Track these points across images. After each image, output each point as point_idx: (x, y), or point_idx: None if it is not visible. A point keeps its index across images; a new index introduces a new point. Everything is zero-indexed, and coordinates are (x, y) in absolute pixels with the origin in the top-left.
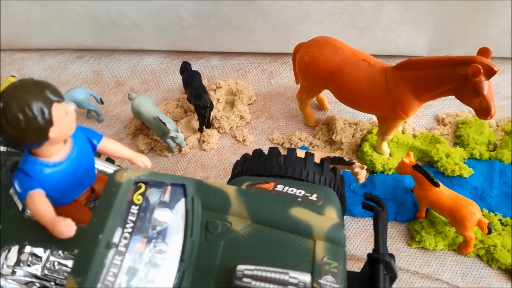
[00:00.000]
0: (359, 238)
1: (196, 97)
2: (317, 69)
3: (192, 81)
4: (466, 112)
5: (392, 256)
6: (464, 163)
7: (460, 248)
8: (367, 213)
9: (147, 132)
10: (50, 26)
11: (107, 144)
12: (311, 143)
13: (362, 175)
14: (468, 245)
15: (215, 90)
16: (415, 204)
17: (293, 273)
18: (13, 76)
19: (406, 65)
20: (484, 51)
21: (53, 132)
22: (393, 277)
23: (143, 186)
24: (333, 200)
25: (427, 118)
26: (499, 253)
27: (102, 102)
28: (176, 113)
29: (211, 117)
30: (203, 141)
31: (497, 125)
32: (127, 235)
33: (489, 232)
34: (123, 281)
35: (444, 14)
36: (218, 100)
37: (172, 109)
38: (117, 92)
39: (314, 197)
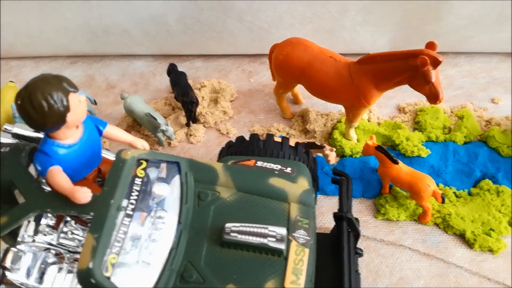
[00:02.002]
0: (331, 213)
1: (183, 95)
2: (290, 66)
3: (179, 81)
4: (424, 101)
5: (356, 219)
6: (422, 145)
7: (420, 218)
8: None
9: (138, 128)
10: (45, 35)
11: (111, 130)
12: (288, 133)
13: (332, 156)
14: (426, 215)
15: (199, 89)
16: (379, 182)
17: (271, 228)
18: (11, 81)
19: (366, 60)
20: (430, 45)
21: (70, 117)
22: (356, 235)
23: (145, 163)
24: (304, 172)
25: (390, 108)
26: (454, 220)
27: (95, 103)
28: (164, 110)
29: (197, 113)
30: (190, 135)
31: (451, 111)
32: (133, 201)
33: (443, 201)
34: (131, 240)
35: (402, 16)
36: (203, 97)
37: (161, 107)
38: (108, 94)
39: (288, 170)
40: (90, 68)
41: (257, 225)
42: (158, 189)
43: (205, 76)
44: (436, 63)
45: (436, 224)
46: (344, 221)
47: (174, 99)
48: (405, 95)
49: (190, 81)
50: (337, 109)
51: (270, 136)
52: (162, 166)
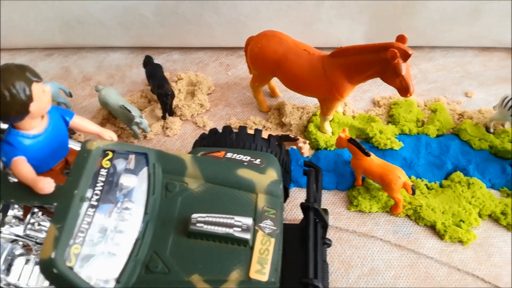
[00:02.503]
0: None
1: (159, 87)
2: (265, 58)
3: (154, 73)
4: (398, 95)
5: (325, 210)
6: (396, 138)
7: (391, 209)
8: None
9: (113, 121)
10: (20, 27)
11: (78, 121)
12: (264, 126)
13: (306, 149)
14: (397, 206)
15: (176, 82)
16: (353, 174)
17: (238, 218)
18: None
19: (338, 53)
20: (401, 38)
21: (33, 107)
22: (324, 225)
23: (111, 154)
24: (273, 163)
25: (365, 102)
26: (424, 212)
27: (71, 95)
28: (140, 103)
29: (173, 106)
30: (167, 128)
31: (425, 105)
32: (98, 192)
33: (413, 192)
34: (95, 231)
35: (377, 9)
36: (179, 90)
37: (136, 99)
38: (84, 86)
39: (257, 161)
40: (66, 60)
41: (224, 216)
42: (126, 180)
43: (182, 68)
44: (406, 56)
45: (408, 216)
46: (311, 211)
47: (150, 91)
48: (380, 89)
49: (167, 74)
50: (313, 103)
51: (242, 128)
52: (131, 158)
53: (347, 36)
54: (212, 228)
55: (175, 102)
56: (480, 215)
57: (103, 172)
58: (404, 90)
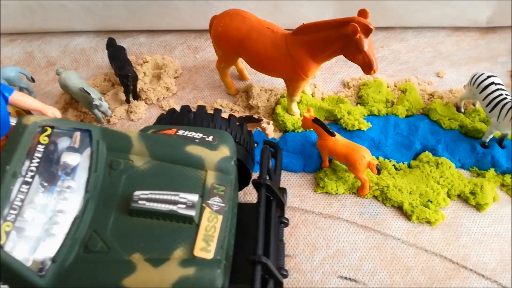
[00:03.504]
0: None
1: (120, 69)
2: (228, 38)
3: (117, 55)
4: (368, 76)
5: (283, 189)
6: (364, 119)
7: (358, 190)
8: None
9: (76, 105)
10: None
11: (18, 97)
12: (232, 109)
13: (269, 129)
14: (364, 187)
15: (141, 65)
16: (320, 156)
17: (183, 194)
18: None
19: (301, 30)
20: (362, 13)
21: None
22: (280, 204)
23: (49, 129)
24: (227, 140)
25: (335, 83)
26: (391, 192)
27: (33, 80)
28: (103, 86)
29: (138, 89)
30: (131, 112)
31: (395, 85)
32: (33, 168)
33: (378, 172)
34: (32, 210)
35: None
36: (144, 73)
37: (99, 82)
38: (48, 71)
39: (210, 138)
40: (29, 45)
41: (168, 192)
42: (68, 158)
43: (149, 52)
44: (367, 31)
45: (375, 197)
46: (262, 187)
47: (114, 75)
48: (350, 70)
49: (132, 58)
50: (282, 85)
51: (201, 107)
52: (76, 136)
53: (316, 16)
54: (155, 206)
55: (140, 85)
56: (449, 195)
57: (40, 148)
58: (367, 66)
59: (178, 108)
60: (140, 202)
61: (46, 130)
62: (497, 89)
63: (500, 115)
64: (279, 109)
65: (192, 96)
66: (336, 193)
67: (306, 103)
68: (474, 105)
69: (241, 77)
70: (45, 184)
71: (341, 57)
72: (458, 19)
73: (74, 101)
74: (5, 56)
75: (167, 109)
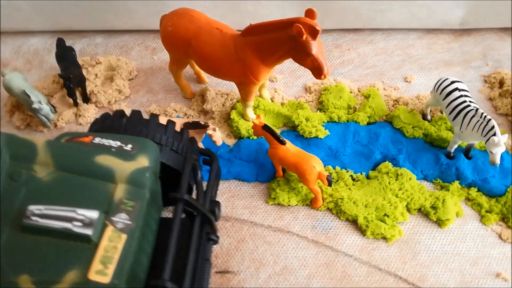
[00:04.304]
0: (221, 198)
1: (64, 70)
2: (177, 38)
3: (64, 56)
4: (331, 80)
5: (217, 202)
6: (323, 126)
7: (312, 203)
8: (231, 175)
9: (23, 109)
10: None
11: None
12: (185, 114)
13: (216, 136)
14: (317, 199)
15: (94, 66)
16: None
17: (81, 211)
18: None
19: (248, 31)
20: (309, 13)
21: None
22: (208, 220)
23: None
24: (149, 149)
25: (297, 88)
26: (346, 205)
27: None
28: (51, 88)
29: (88, 92)
30: (80, 115)
31: (359, 91)
32: None
33: (329, 184)
34: None
35: None
36: (96, 75)
37: (47, 84)
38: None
39: (129, 147)
40: None
41: (63, 208)
42: None
43: (104, 53)
44: (314, 32)
45: (329, 209)
46: (179, 202)
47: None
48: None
49: (87, 58)
50: None
51: (135, 112)
52: None
53: (278, 17)
54: (49, 223)
55: (90, 87)
56: (408, 210)
57: None
58: (317, 70)
59: (130, 112)
60: (33, 218)
61: None
62: (461, 96)
63: (462, 123)
64: (233, 114)
65: (146, 100)
66: (289, 205)
67: (263, 108)
68: (442, 112)
69: (198, 80)
70: None
71: None
72: (429, 20)
73: (21, 104)
74: None
75: None
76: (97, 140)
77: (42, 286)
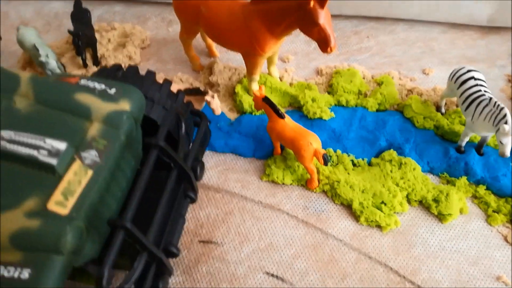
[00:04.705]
0: (215, 170)
1: (75, 28)
2: (187, 4)
3: (79, 17)
4: (345, 64)
5: (201, 162)
6: (330, 109)
7: (307, 183)
8: (228, 148)
9: (35, 65)
10: None
11: None
12: (191, 84)
13: (215, 104)
14: (312, 179)
15: (108, 31)
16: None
17: (49, 140)
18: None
19: None
20: None
21: None
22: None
23: None
24: (133, 96)
25: (309, 70)
26: (342, 188)
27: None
28: (63, 48)
29: (99, 55)
30: None
31: (372, 77)
32: None
33: (325, 163)
34: None
35: None
36: (109, 40)
37: (60, 44)
38: None
39: (112, 91)
40: (6, 5)
41: (34, 136)
42: None
43: (122, 21)
44: (322, 0)
45: (324, 192)
46: (153, 149)
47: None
48: (328, 58)
49: (103, 24)
50: None
51: (132, 67)
52: None
53: None
54: (15, 148)
55: (101, 51)
56: (409, 201)
57: None
58: (323, 42)
59: None
60: (1, 142)
61: None
62: (476, 85)
63: (475, 113)
64: (238, 88)
65: (155, 68)
66: (283, 183)
67: (270, 85)
68: (457, 105)
69: (209, 54)
70: None
71: None
72: (455, 14)
73: (33, 61)
74: None
75: None
76: (83, 81)
77: None
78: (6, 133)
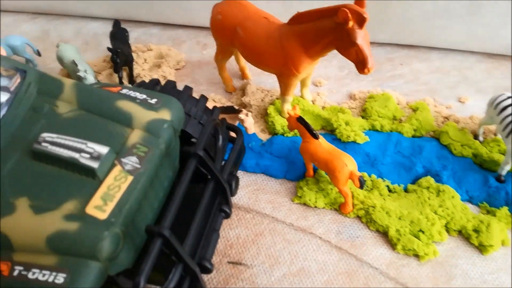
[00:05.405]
0: (246, 190)
1: (113, 45)
2: (224, 25)
3: (117, 36)
4: (377, 89)
5: (235, 177)
6: (364, 133)
7: (340, 207)
8: (260, 168)
9: None
10: None
11: None
12: (224, 105)
13: (248, 122)
14: (346, 203)
15: (144, 52)
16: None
17: (91, 144)
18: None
19: (295, 19)
20: (359, 1)
21: None
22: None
23: None
24: (173, 106)
25: (341, 95)
26: (377, 214)
27: (39, 54)
28: (100, 66)
29: (134, 75)
30: None
31: (407, 103)
32: None
33: (361, 186)
34: None
35: None
36: (145, 60)
37: (98, 62)
38: None
39: (153, 101)
40: (48, 23)
41: (76, 139)
42: None
43: (158, 43)
44: (361, 20)
45: (359, 217)
46: (193, 158)
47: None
48: (361, 84)
49: (140, 45)
50: None
51: (170, 82)
52: (16, 79)
53: None
54: (57, 150)
55: (137, 70)
56: (447, 230)
57: None
58: (361, 63)
59: None
60: (43, 144)
61: None
62: None
63: None
64: (271, 109)
65: None
66: (315, 206)
67: (303, 108)
68: (495, 134)
69: (242, 76)
70: None
71: (354, 69)
72: (491, 44)
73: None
74: (23, 31)
75: None
76: (124, 90)
77: (38, 211)
78: (48, 135)
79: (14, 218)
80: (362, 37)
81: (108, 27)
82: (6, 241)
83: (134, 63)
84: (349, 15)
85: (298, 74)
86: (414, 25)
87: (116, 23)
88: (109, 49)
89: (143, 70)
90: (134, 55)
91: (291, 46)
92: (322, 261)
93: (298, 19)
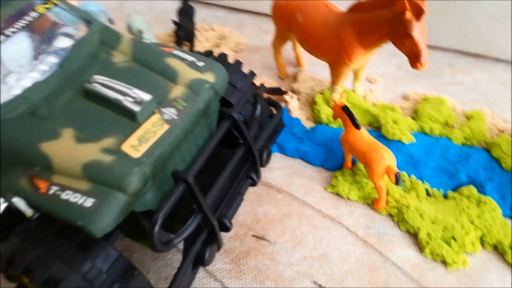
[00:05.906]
0: (281, 171)
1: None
2: (284, 10)
3: (184, 12)
4: (432, 91)
5: (268, 148)
6: (411, 134)
7: (373, 203)
8: (298, 153)
9: None
10: None
11: None
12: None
13: (292, 105)
14: (379, 199)
15: (207, 31)
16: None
17: (136, 90)
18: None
19: (354, 8)
20: None
21: None
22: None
23: (51, 4)
24: (218, 71)
25: (395, 94)
26: (410, 214)
27: (111, 22)
28: (165, 39)
29: (194, 51)
30: None
31: (462, 111)
32: (18, 26)
33: (397, 182)
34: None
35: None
36: (207, 38)
37: (163, 36)
38: None
39: (201, 63)
40: None
41: (124, 84)
42: (61, 41)
43: (222, 25)
44: (419, 12)
45: (391, 216)
46: (227, 119)
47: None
48: (416, 86)
49: (204, 25)
50: None
51: (222, 54)
52: (81, 29)
53: None
54: (105, 91)
55: (198, 47)
56: (482, 243)
57: (33, 14)
58: (414, 56)
59: None
60: (94, 84)
61: (47, 3)
62: None
63: None
64: (318, 98)
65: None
66: (348, 198)
67: (352, 101)
68: None
69: (297, 64)
70: (27, 45)
71: (411, 70)
72: None
73: None
74: (101, 2)
75: None
76: (176, 52)
77: (79, 141)
78: (100, 78)
79: (57, 143)
80: (418, 30)
81: (178, 5)
82: (47, 163)
83: (196, 40)
84: (408, 5)
85: (350, 64)
86: (482, 33)
87: (185, 1)
88: (174, 22)
89: (203, 48)
90: (197, 33)
91: (346, 34)
92: (345, 251)
93: (357, 7)
